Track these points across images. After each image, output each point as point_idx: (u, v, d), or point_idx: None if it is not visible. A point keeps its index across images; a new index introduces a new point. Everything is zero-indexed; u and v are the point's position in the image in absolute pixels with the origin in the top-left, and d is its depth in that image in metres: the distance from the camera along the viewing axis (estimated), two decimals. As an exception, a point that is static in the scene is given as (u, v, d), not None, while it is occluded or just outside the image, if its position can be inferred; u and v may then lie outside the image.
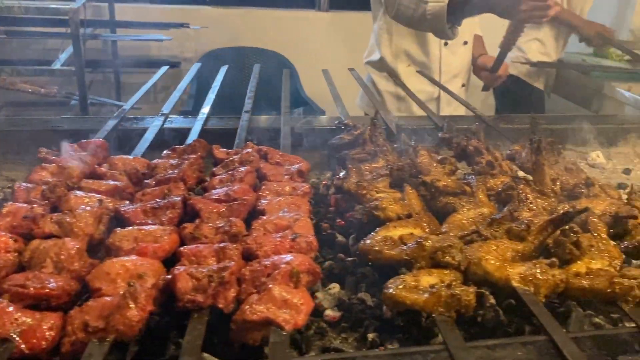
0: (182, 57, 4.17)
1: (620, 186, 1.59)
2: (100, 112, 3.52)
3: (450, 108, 2.71)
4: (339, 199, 1.31)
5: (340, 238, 1.24)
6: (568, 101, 3.86)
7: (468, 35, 2.63)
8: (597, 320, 1.02)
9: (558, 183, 1.16)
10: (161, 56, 4.13)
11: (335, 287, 1.08)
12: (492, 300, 1.04)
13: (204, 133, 1.57)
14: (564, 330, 0.82)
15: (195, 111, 1.98)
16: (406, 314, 0.97)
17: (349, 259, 1.15)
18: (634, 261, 1.19)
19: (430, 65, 2.60)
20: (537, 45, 3.48)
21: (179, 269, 0.86)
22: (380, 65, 2.68)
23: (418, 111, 2.64)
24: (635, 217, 1.05)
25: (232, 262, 0.86)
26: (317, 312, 1.04)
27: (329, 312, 1.03)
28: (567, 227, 0.98)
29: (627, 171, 1.69)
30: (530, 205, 1.10)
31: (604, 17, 4.99)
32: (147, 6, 4.12)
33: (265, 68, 4.43)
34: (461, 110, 2.84)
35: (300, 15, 4.35)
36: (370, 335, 0.97)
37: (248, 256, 0.95)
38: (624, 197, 1.34)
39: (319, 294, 1.06)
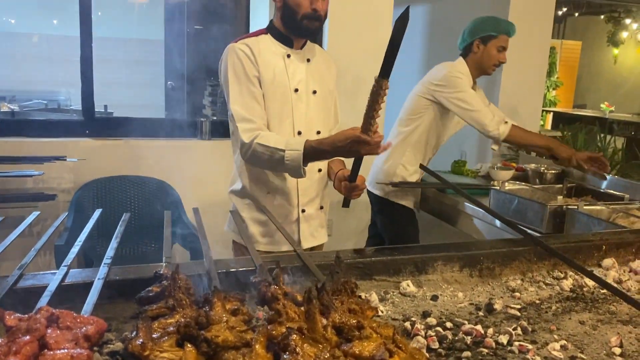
0: (60, 188, 4.14)
1: (425, 314, 1.73)
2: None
3: (310, 228, 2.88)
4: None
5: (131, 400, 1.24)
6: (435, 217, 4.20)
7: (322, 164, 2.87)
8: None
9: (329, 329, 1.26)
10: (36, 189, 4.07)
11: None
12: None
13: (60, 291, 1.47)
14: None
15: (70, 243, 1.85)
16: None
17: None
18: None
19: (289, 191, 2.79)
20: (401, 169, 3.87)
21: None
22: (242, 193, 2.83)
23: (280, 238, 2.77)
24: (385, 361, 1.16)
25: None
26: None
27: None
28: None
29: (434, 297, 1.85)
30: (298, 356, 1.18)
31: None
32: (21, 140, 4.12)
33: (147, 196, 4.47)
34: (322, 232, 3.02)
35: (181, 145, 4.51)
36: None
37: None
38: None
39: None
